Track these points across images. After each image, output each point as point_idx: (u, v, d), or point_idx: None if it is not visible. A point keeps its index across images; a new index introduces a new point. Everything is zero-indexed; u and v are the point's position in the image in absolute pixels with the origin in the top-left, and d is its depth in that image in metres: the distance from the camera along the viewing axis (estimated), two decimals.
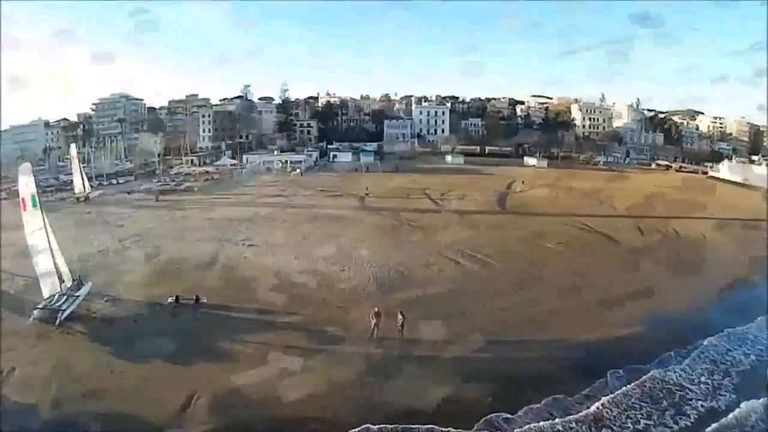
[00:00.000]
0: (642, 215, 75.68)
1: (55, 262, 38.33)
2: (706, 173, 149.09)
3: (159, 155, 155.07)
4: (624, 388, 28.99)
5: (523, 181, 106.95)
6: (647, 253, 55.13)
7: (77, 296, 38.61)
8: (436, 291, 41.84)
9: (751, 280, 47.38)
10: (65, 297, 37.90)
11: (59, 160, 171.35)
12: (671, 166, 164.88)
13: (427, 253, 51.71)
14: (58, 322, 35.57)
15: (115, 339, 33.76)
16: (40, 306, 36.69)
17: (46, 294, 37.22)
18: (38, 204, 37.40)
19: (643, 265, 50.70)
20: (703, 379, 30.39)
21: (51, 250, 38.06)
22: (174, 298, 38.81)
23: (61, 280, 38.69)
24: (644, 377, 29.97)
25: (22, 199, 37.03)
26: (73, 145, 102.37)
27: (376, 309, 33.80)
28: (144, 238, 58.74)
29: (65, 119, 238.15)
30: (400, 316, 33.26)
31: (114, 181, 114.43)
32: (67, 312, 36.59)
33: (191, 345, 32.98)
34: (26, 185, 36.91)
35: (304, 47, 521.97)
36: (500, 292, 42.11)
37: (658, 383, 29.60)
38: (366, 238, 57.73)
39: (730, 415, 27.01)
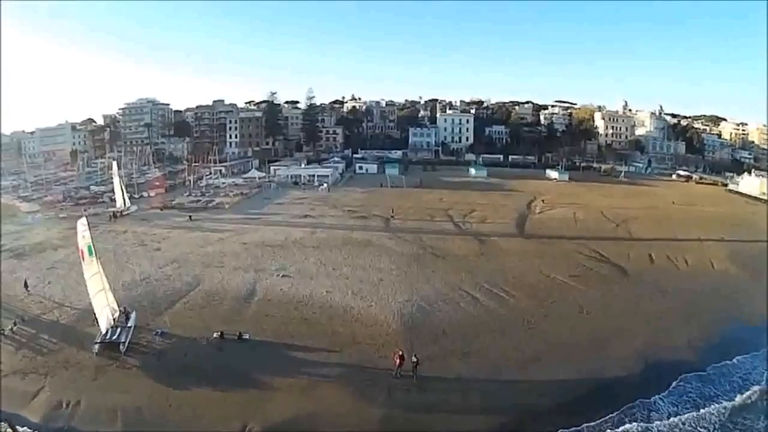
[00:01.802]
0: (655, 238, 79.53)
1: (107, 299, 42.67)
2: (725, 185, 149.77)
3: (187, 162, 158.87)
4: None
5: (543, 200, 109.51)
6: (654, 285, 57.76)
7: (129, 327, 42.92)
8: (455, 328, 45.13)
9: (750, 318, 49.62)
10: (119, 329, 42.18)
11: (87, 165, 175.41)
12: (692, 177, 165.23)
13: (448, 286, 54.73)
14: (123, 354, 39.80)
15: (168, 372, 37.79)
16: (99, 340, 40.87)
17: (103, 329, 41.41)
18: (94, 253, 41.72)
19: (648, 300, 53.40)
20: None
21: (105, 291, 42.32)
22: (219, 333, 42.74)
23: (113, 312, 43.05)
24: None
25: (81, 251, 41.66)
26: (114, 163, 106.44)
27: (400, 352, 37.62)
28: (183, 265, 62.12)
29: (91, 119, 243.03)
30: (414, 359, 37.13)
31: (145, 194, 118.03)
32: (127, 343, 40.77)
33: (240, 379, 36.92)
34: (83, 237, 41.34)
35: (331, 48, 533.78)
36: (512, 330, 45.32)
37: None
38: (391, 268, 60.60)
39: None
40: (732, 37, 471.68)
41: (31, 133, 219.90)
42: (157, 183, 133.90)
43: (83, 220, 42.27)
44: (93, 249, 41.42)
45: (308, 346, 41.45)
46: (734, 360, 41.41)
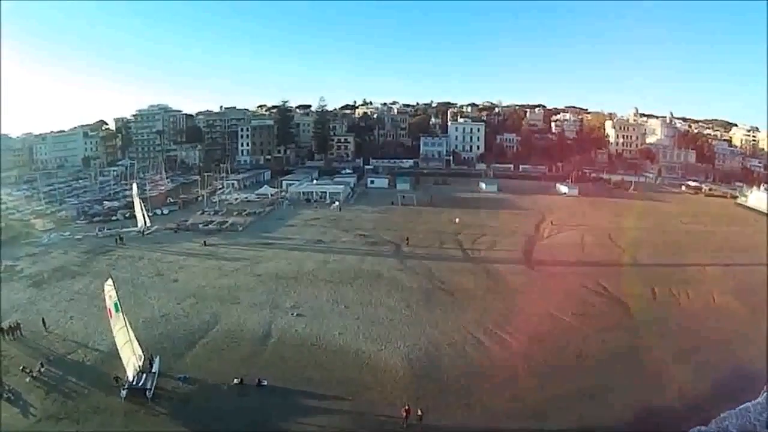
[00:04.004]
0: (660, 263, 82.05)
1: (133, 348, 45.00)
2: (735, 197, 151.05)
3: (200, 172, 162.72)
4: None
5: (551, 221, 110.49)
6: (654, 325, 58.88)
7: (154, 373, 45.38)
8: (460, 375, 46.99)
9: (743, 364, 50.38)
10: (144, 375, 44.67)
11: (100, 174, 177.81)
12: (701, 189, 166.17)
13: (454, 328, 56.19)
14: (150, 399, 42.41)
15: (194, 419, 40.58)
16: (126, 386, 43.25)
17: (130, 376, 43.76)
18: (120, 309, 44.11)
19: (646, 343, 54.34)
20: None
21: (131, 342, 44.80)
22: (239, 380, 45.03)
23: (138, 359, 45.34)
24: None
25: (109, 309, 44.19)
26: (134, 185, 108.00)
27: (406, 406, 40.03)
28: (200, 300, 63.99)
29: (102, 121, 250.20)
30: (419, 412, 39.65)
31: (159, 212, 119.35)
32: (152, 390, 43.34)
33: (260, 427, 39.68)
34: (110, 297, 43.81)
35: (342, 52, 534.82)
36: (513, 378, 46.86)
37: None
38: (401, 307, 62.19)
39: None
40: (736, 38, 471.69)
41: (43, 138, 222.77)
42: (171, 199, 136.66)
43: (110, 281, 44.39)
44: (119, 306, 43.78)
45: (322, 394, 43.62)
46: (722, 414, 42.62)
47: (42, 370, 47.11)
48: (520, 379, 46.75)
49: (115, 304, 43.65)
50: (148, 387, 43.28)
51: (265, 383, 44.77)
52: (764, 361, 49.70)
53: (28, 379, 45.71)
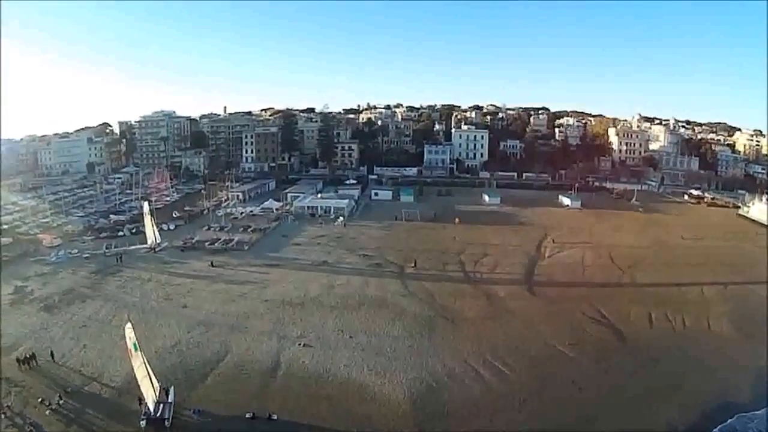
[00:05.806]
0: (659, 283, 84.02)
1: (151, 381, 46.92)
2: (737, 207, 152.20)
3: (204, 180, 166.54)
4: None
5: (553, 239, 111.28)
6: (649, 353, 60.66)
7: (170, 403, 47.66)
8: (458, 408, 48.88)
9: (732, 394, 52.10)
10: (162, 405, 46.78)
11: (105, 181, 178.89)
12: (703, 197, 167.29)
13: (455, 359, 57.76)
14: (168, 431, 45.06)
15: None
16: (145, 417, 45.61)
17: (150, 407, 45.68)
18: (138, 348, 46.19)
19: (640, 372, 56.12)
20: None
21: (149, 377, 46.77)
22: (251, 414, 46.93)
23: (155, 391, 47.19)
24: None
25: (129, 350, 46.41)
26: (145, 204, 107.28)
27: None
28: (209, 328, 65.11)
29: (107, 124, 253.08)
30: None
31: (165, 227, 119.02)
32: (170, 420, 45.82)
33: None
34: (129, 338, 45.99)
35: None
36: (508, 409, 48.96)
37: None
38: (404, 336, 63.53)
39: None
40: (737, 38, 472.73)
41: (48, 143, 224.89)
42: (176, 213, 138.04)
43: (129, 325, 46.29)
44: (138, 346, 46.06)
45: (330, 428, 45.76)
46: None
47: (60, 402, 48.59)
48: (516, 411, 48.73)
49: (134, 344, 45.89)
50: (166, 417, 45.69)
51: (276, 418, 46.60)
52: (749, 390, 52.51)
53: (48, 412, 47.14)
